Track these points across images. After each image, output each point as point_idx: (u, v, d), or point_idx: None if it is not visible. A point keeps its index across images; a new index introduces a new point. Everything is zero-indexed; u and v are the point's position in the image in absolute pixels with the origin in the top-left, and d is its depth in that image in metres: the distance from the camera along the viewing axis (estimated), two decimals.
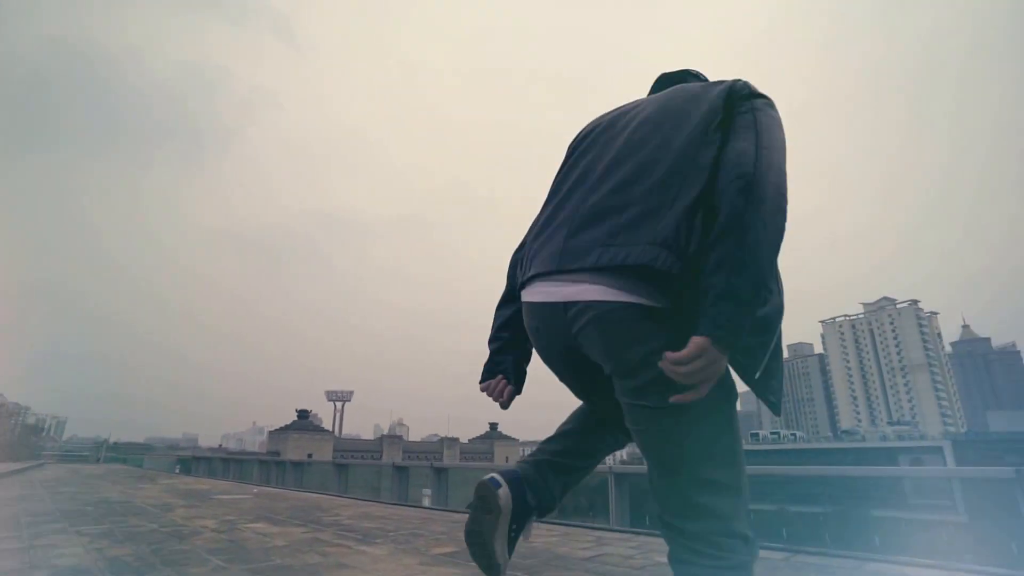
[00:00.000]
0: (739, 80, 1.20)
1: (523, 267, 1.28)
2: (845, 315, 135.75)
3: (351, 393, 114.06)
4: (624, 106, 1.37)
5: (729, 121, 1.11)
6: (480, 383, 1.47)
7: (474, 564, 1.61)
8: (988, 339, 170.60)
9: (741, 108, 1.12)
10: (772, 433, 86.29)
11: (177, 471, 20.97)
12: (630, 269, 1.03)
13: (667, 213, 1.04)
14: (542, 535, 4.33)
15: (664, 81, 1.46)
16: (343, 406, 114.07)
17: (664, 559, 1.24)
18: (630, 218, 1.07)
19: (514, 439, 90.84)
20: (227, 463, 19.46)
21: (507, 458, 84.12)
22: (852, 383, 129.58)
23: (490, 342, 1.47)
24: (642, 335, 1.02)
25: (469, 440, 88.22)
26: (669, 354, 0.96)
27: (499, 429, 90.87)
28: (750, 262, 0.97)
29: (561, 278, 1.12)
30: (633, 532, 4.55)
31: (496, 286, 1.60)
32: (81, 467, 23.96)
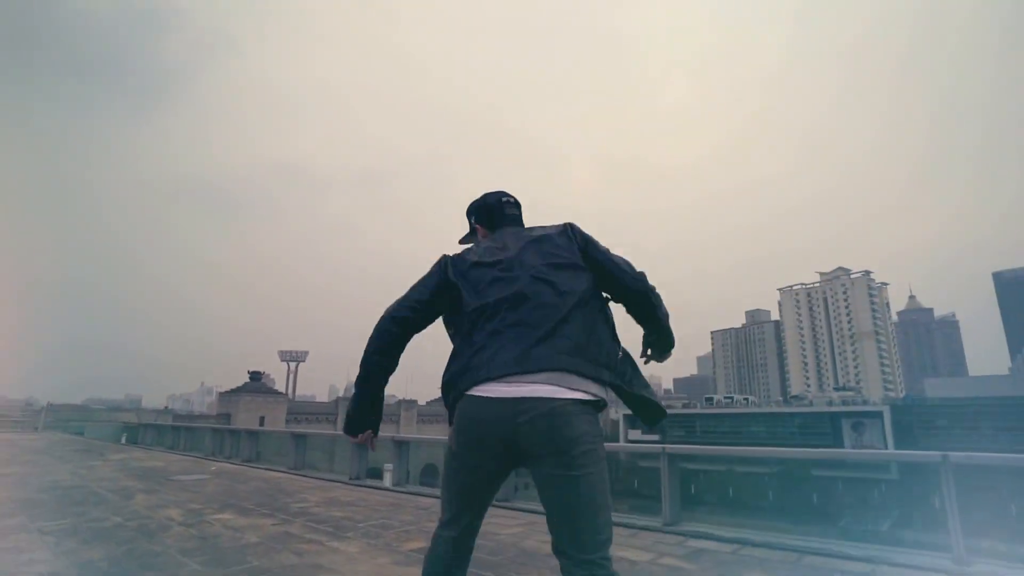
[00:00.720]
0: (570, 223, 1.78)
1: (466, 371, 1.56)
2: (802, 283, 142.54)
3: (306, 353, 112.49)
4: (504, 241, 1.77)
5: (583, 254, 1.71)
6: (352, 436, 1.79)
7: None
8: (931, 309, 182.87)
9: (582, 240, 1.73)
10: (726, 397, 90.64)
11: (124, 441, 20.62)
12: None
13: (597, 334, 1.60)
14: (507, 525, 4.69)
15: (493, 213, 1.91)
16: (297, 367, 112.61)
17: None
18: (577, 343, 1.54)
19: None
20: (177, 431, 19.14)
21: None
22: (804, 349, 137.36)
23: (371, 405, 1.77)
24: (583, 419, 1.48)
25: (427, 402, 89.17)
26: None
27: None
28: (667, 327, 1.78)
29: (516, 379, 1.47)
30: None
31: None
32: (17, 437, 23.16)
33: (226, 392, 75.70)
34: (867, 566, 3.48)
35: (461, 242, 1.99)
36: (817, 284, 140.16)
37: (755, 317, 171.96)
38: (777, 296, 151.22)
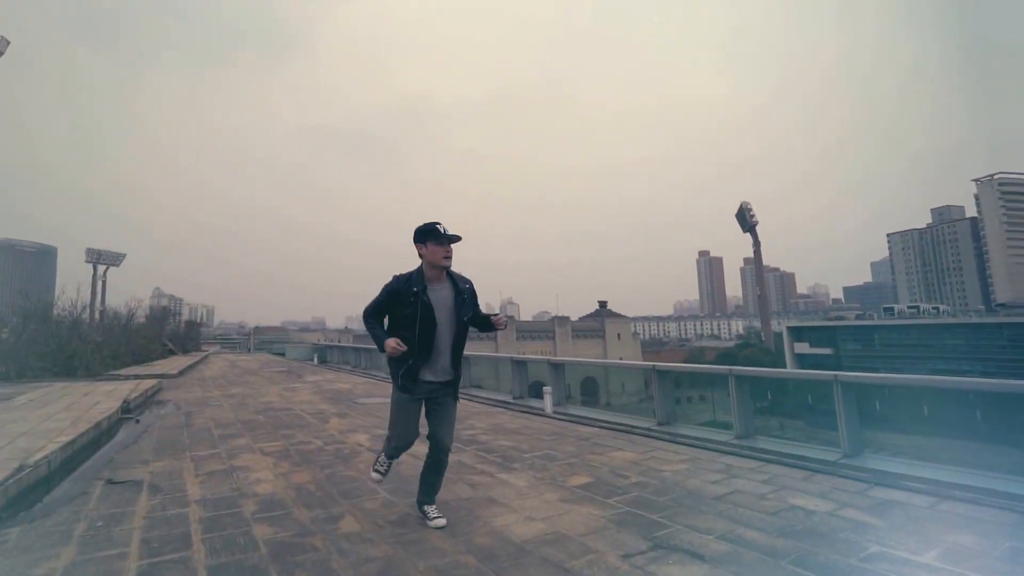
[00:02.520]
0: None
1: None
2: (1003, 172, 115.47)
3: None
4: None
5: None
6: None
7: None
8: None
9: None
10: (910, 307, 78.99)
11: (315, 362, 24.52)
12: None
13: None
14: (670, 460, 4.60)
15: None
16: None
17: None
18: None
19: (624, 316, 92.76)
20: (358, 353, 22.24)
21: (619, 335, 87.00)
22: (1013, 247, 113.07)
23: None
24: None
25: (579, 318, 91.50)
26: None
27: (608, 307, 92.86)
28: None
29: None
30: (763, 459, 4.63)
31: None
32: (236, 358, 28.92)
33: None
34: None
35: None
36: None
37: (944, 215, 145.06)
38: (973, 189, 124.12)
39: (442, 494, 3.69)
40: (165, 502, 3.68)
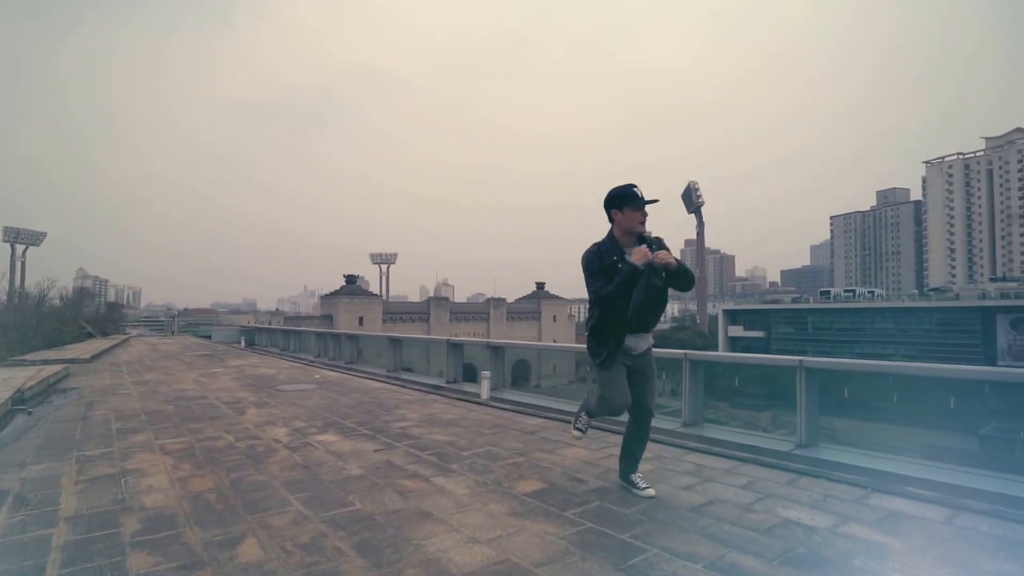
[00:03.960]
0: None
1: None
2: (959, 153, 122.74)
3: (395, 255, 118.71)
4: None
5: None
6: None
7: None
8: None
9: None
10: (846, 291, 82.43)
11: (243, 345, 23.19)
12: None
13: None
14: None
15: None
16: (388, 268, 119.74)
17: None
18: None
19: (562, 298, 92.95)
20: (287, 335, 21.19)
21: (554, 317, 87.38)
22: (952, 233, 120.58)
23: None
24: None
25: (516, 300, 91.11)
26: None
27: (545, 288, 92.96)
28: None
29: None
30: (737, 458, 4.33)
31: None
32: (159, 341, 27.01)
33: (326, 295, 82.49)
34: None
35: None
36: (981, 152, 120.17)
37: (888, 198, 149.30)
38: (922, 171, 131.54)
39: (365, 504, 3.30)
40: (28, 520, 3.08)
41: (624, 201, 3.22)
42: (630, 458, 3.52)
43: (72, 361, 12.56)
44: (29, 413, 6.20)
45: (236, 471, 4.02)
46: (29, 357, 12.96)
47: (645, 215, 3.24)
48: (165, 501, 3.37)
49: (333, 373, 10.94)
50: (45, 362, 11.58)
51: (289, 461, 4.29)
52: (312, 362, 13.67)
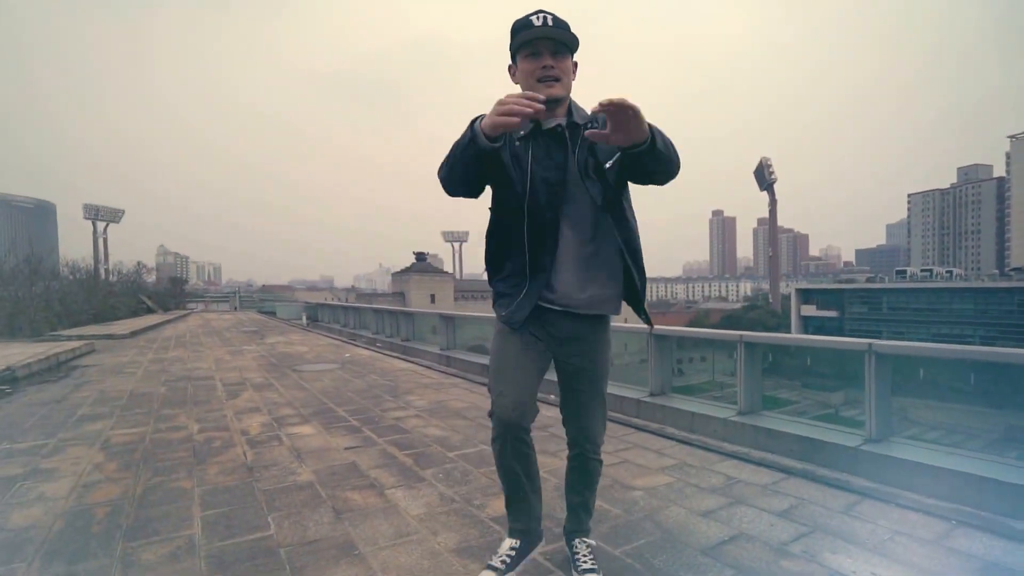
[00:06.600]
0: None
1: None
2: None
3: (467, 234, 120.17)
4: None
5: None
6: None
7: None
8: None
9: None
10: (923, 271, 77.58)
11: (304, 320, 23.55)
12: None
13: None
14: (647, 467, 3.31)
15: None
16: (461, 247, 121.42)
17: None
18: None
19: None
20: (347, 311, 21.23)
21: None
22: None
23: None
24: None
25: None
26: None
27: None
28: None
29: None
30: (781, 468, 3.35)
31: None
32: (216, 317, 28.13)
33: (397, 272, 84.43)
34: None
35: None
36: None
37: (970, 174, 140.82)
38: (1006, 146, 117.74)
39: (279, 531, 2.48)
40: None
41: (515, 46, 1.70)
42: (569, 507, 2.14)
43: (108, 337, 12.82)
44: (9, 393, 5.94)
45: (162, 474, 3.34)
46: (65, 332, 13.38)
47: (552, 65, 1.67)
48: (38, 518, 2.70)
49: (365, 351, 10.42)
50: (81, 337, 11.82)
51: (236, 462, 3.57)
52: (349, 341, 13.25)
